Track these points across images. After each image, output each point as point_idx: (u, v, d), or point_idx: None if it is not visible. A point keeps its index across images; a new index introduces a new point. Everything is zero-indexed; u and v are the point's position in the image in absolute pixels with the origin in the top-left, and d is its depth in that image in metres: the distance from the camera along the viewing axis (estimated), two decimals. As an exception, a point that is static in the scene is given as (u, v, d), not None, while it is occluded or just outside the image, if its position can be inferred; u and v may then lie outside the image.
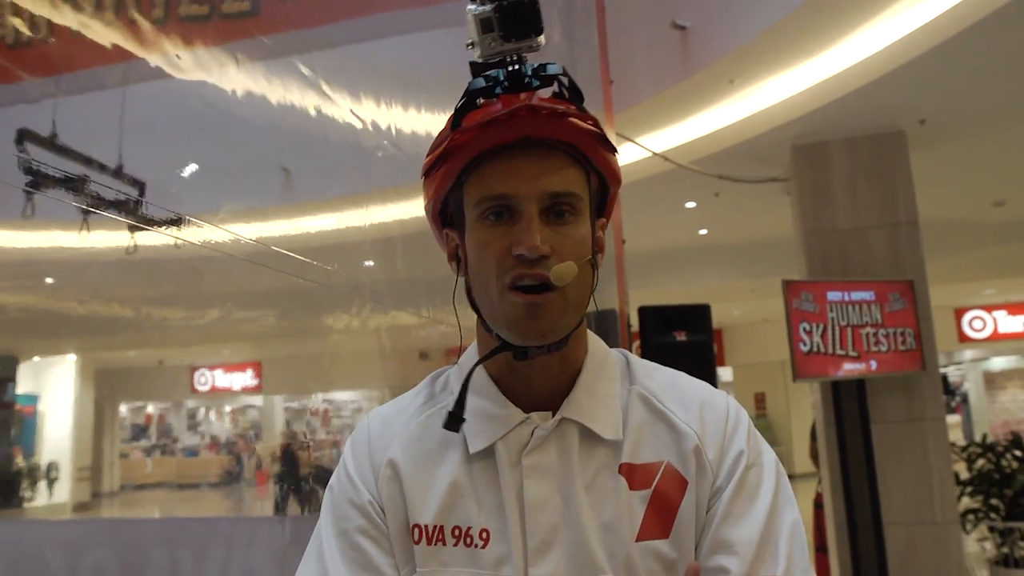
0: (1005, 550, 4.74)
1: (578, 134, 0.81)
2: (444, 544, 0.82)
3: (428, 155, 0.85)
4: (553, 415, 0.85)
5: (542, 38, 0.81)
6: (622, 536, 0.81)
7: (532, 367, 0.84)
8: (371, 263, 5.53)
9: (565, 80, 0.82)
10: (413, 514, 0.84)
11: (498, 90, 0.81)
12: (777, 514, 0.83)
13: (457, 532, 0.82)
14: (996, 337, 13.86)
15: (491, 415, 0.85)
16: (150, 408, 23.99)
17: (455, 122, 0.82)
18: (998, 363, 15.91)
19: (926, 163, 5.36)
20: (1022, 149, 5.79)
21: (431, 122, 4.30)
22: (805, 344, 4.42)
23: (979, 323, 13.74)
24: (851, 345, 4.56)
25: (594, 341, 0.91)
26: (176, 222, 4.79)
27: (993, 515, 4.79)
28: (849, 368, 4.56)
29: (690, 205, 6.97)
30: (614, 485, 0.83)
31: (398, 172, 4.93)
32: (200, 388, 18.65)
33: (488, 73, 0.82)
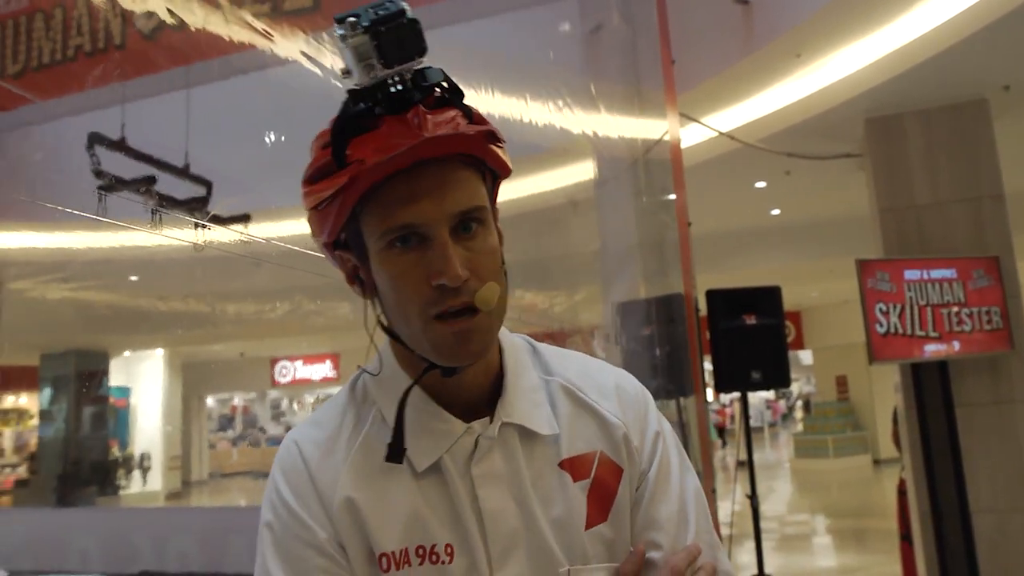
0: (1104, 539, 4.48)
1: (471, 143, 0.79)
2: (410, 566, 0.81)
3: (309, 185, 0.81)
4: (491, 420, 0.85)
5: (425, 56, 0.76)
6: (574, 528, 0.84)
7: (461, 378, 0.84)
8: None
9: (446, 84, 0.79)
10: (376, 544, 0.81)
11: (377, 110, 0.76)
12: (683, 484, 0.90)
13: (421, 551, 0.81)
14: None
15: (432, 430, 0.84)
16: (236, 399, 24.84)
17: (338, 155, 0.77)
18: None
19: (1012, 132, 5.08)
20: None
21: (510, 106, 4.28)
22: (882, 325, 4.25)
23: (1077, 299, 13.02)
24: (931, 326, 4.36)
25: (503, 335, 0.90)
26: (243, 219, 4.86)
27: (1091, 501, 4.53)
28: (931, 349, 4.36)
29: (760, 185, 6.79)
30: (559, 480, 0.85)
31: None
32: (281, 379, 19.22)
33: (362, 95, 0.77)
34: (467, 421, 0.84)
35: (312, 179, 0.80)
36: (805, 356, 19.26)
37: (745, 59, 4.77)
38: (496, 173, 0.85)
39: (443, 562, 0.81)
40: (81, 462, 12.76)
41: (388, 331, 0.87)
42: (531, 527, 0.83)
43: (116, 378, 14.81)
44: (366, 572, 0.82)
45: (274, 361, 19.04)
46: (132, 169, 4.28)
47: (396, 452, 0.81)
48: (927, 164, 4.98)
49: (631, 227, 4.48)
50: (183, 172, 4.47)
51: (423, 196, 0.77)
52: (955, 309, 4.43)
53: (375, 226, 0.79)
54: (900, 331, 4.29)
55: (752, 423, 12.19)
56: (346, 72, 0.77)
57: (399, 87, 0.76)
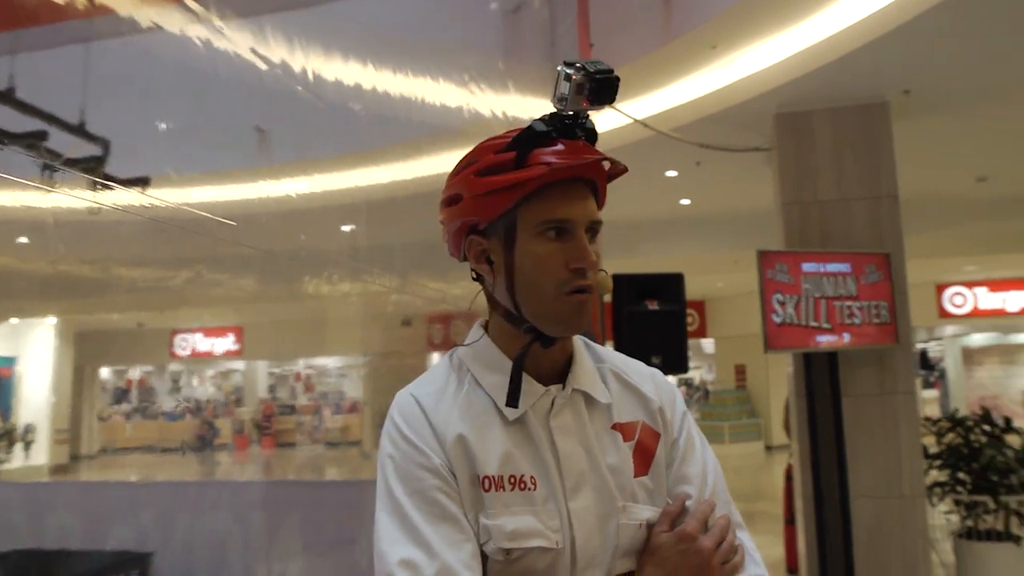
0: (970, 523, 4.76)
1: (602, 175, 1.09)
2: (504, 490, 1.04)
3: (482, 177, 1.06)
4: (563, 387, 1.10)
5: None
6: (625, 475, 1.09)
7: (548, 351, 1.09)
8: (350, 228, 5.45)
9: (594, 129, 1.07)
10: (480, 470, 1.04)
11: (554, 134, 1.04)
12: (704, 453, 1.18)
13: (512, 480, 1.04)
14: (976, 313, 13.94)
15: (521, 390, 1.07)
16: (132, 372, 23.87)
17: (522, 156, 1.03)
18: (977, 339, 16.01)
19: (910, 135, 5.31)
20: (1007, 124, 5.74)
21: (421, 85, 4.21)
22: (778, 315, 4.39)
23: (959, 299, 13.80)
24: (824, 317, 4.53)
25: None
26: (142, 182, 4.64)
27: (960, 488, 4.81)
28: (822, 340, 4.53)
29: (671, 174, 6.90)
30: (612, 438, 1.11)
31: (380, 133, 4.84)
32: (181, 352, 18.57)
33: (546, 119, 1.04)
34: (545, 386, 1.09)
35: (486, 172, 1.06)
36: (707, 344, 19.79)
37: (662, 47, 4.82)
38: (599, 202, 1.11)
39: (529, 489, 1.04)
40: (-43, 433, 12.04)
41: (500, 306, 1.11)
42: (594, 469, 1.08)
43: (1, 346, 14.04)
44: (470, 492, 1.04)
45: (174, 333, 18.40)
46: (22, 124, 4.02)
47: (513, 398, 1.06)
48: (832, 161, 5.15)
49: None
50: (78, 130, 4.23)
51: (574, 202, 1.05)
52: (847, 302, 4.62)
53: (534, 216, 1.05)
54: (795, 321, 4.45)
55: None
56: (562, 99, 1.03)
57: (579, 121, 1.05)
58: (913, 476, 4.80)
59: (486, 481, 1.04)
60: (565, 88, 1.02)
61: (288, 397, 21.58)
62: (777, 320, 4.37)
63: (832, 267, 4.61)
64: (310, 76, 3.87)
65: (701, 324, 16.50)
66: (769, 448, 15.07)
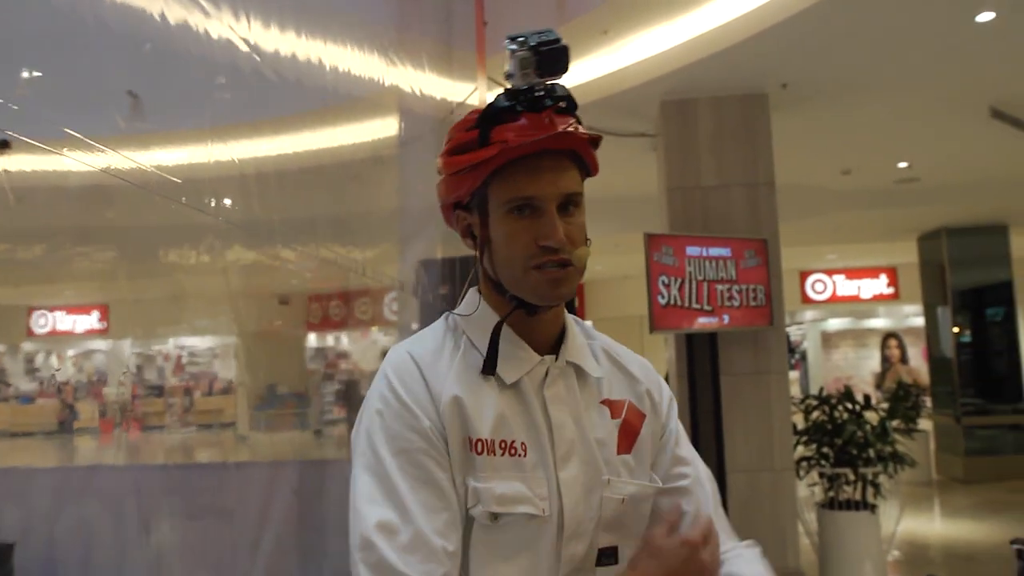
0: (831, 494, 5.07)
1: (581, 144, 1.07)
2: (494, 454, 1.04)
3: (452, 156, 1.07)
4: (556, 358, 1.12)
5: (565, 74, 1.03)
6: (609, 450, 1.11)
7: (537, 321, 1.10)
8: (230, 201, 5.21)
9: (568, 97, 1.05)
10: (473, 431, 1.04)
11: (519, 108, 1.03)
12: (686, 434, 1.26)
13: (503, 444, 1.04)
14: (834, 299, 14.82)
15: (517, 356, 1.10)
16: (-19, 351, 22.20)
17: (484, 135, 1.03)
18: (834, 324, 17.05)
19: (786, 127, 5.56)
20: (869, 119, 6.09)
21: (316, 50, 4.03)
22: (663, 297, 4.52)
23: (820, 286, 14.63)
24: (706, 300, 4.70)
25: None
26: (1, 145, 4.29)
27: (824, 462, 5.12)
28: (703, 322, 4.70)
29: (559, 157, 6.95)
30: (600, 412, 1.13)
31: (266, 103, 4.63)
32: (38, 331, 17.39)
33: (508, 94, 1.03)
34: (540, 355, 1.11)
35: (455, 151, 1.07)
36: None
37: (555, 30, 4.84)
38: (589, 170, 1.11)
39: (519, 455, 1.05)
40: None
41: (487, 277, 1.12)
42: (583, 440, 1.09)
43: None
44: (460, 454, 1.03)
45: (31, 310, 17.21)
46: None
47: (490, 366, 1.07)
48: (714, 148, 5.33)
49: (433, 187, 4.44)
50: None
51: (542, 176, 1.04)
52: (727, 285, 4.80)
53: (502, 194, 1.05)
54: (679, 303, 4.59)
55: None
56: (509, 75, 1.03)
57: (540, 93, 1.03)
58: (783, 451, 5.07)
59: (479, 444, 1.04)
60: (513, 64, 1.02)
61: (156, 378, 20.62)
62: (662, 302, 4.49)
63: (714, 251, 4.78)
64: (210, 37, 3.66)
65: (581, 306, 16.83)
66: (644, 427, 15.56)
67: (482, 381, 1.08)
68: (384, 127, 4.55)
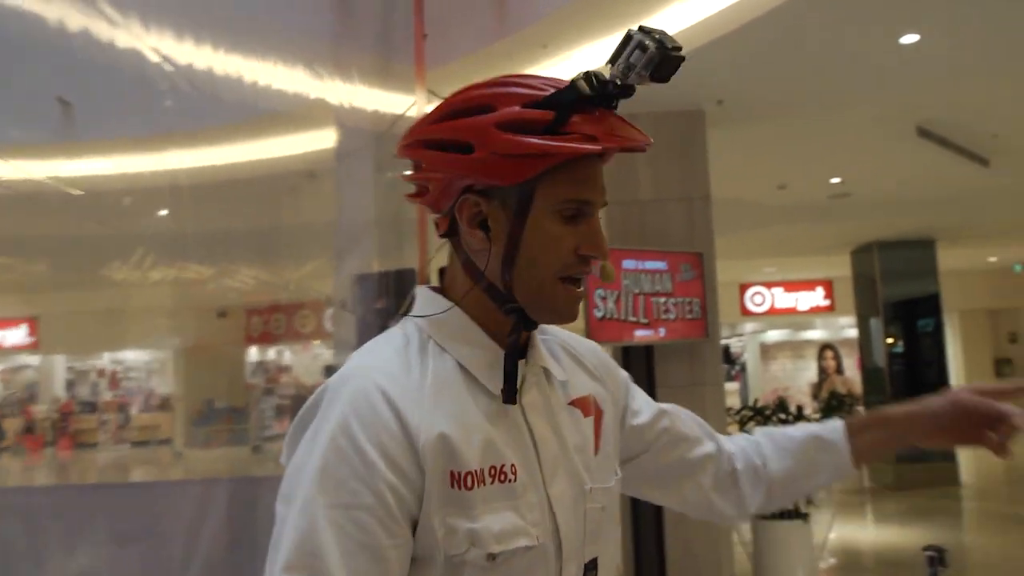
0: (767, 504, 5.15)
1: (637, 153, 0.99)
2: (484, 484, 0.90)
3: (512, 132, 0.90)
4: (527, 362, 1.00)
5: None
6: (587, 453, 1.02)
7: (505, 323, 0.97)
8: (165, 212, 5.08)
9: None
10: (460, 464, 0.89)
11: (597, 100, 0.92)
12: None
13: (493, 471, 0.91)
14: (773, 312, 15.13)
15: (495, 363, 0.95)
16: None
17: (562, 118, 0.90)
18: (773, 335, 17.41)
19: (723, 143, 5.66)
20: (803, 136, 6.25)
21: (246, 65, 3.97)
22: (600, 310, 4.55)
23: (759, 298, 14.93)
24: (643, 312, 4.75)
25: None
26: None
27: (759, 473, 5.19)
28: (640, 335, 4.75)
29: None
30: (572, 415, 1.02)
31: (200, 114, 4.53)
32: (-38, 344, 16.73)
33: (596, 82, 0.92)
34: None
35: (512, 127, 0.90)
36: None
37: (496, 43, 4.85)
38: None
39: (509, 480, 0.92)
40: None
41: (478, 278, 0.97)
42: (563, 450, 0.99)
43: None
44: (441, 493, 0.88)
45: (-45, 323, 16.56)
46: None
47: (511, 395, 0.93)
48: (651, 163, 5.39)
49: (369, 201, 4.41)
50: None
51: (597, 182, 0.96)
52: (663, 298, 4.86)
53: (558, 192, 0.93)
54: (615, 316, 4.63)
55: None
56: (630, 68, 0.91)
57: (618, 91, 0.92)
58: (718, 462, 5.12)
59: (468, 478, 0.89)
60: (638, 57, 0.90)
61: (89, 394, 19.98)
62: (599, 315, 4.53)
63: (650, 264, 4.84)
64: (121, 48, 3.58)
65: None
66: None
67: (463, 398, 0.93)
68: (318, 140, 4.51)
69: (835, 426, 1.20)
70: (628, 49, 0.91)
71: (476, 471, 0.89)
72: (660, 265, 4.88)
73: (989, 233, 10.70)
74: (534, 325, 0.97)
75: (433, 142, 0.97)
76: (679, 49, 0.91)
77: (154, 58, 3.69)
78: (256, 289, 4.59)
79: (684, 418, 1.20)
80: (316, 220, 4.82)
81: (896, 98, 5.52)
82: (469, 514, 0.88)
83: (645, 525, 4.86)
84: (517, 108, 0.91)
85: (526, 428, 0.96)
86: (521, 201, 0.93)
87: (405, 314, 1.03)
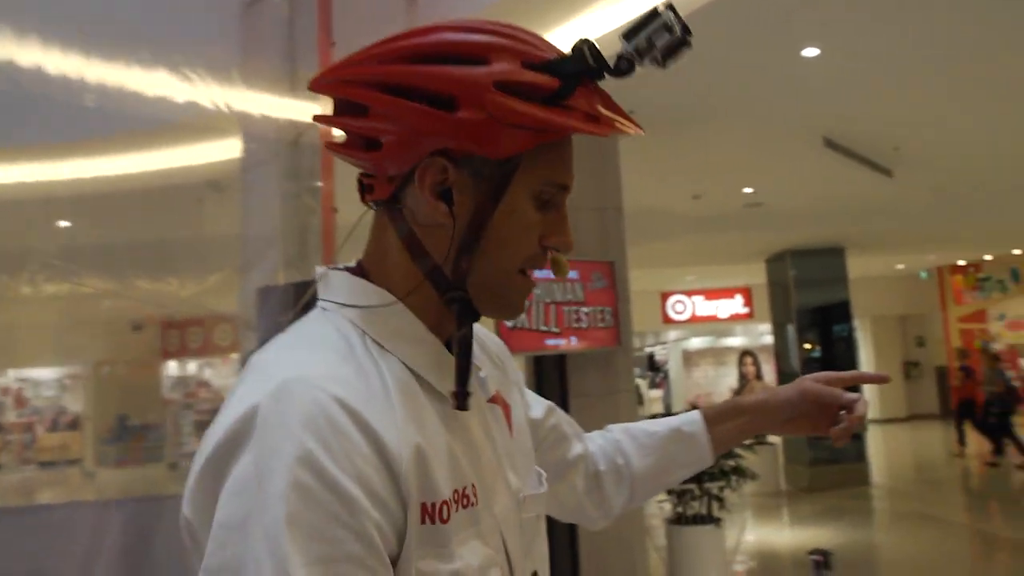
0: (680, 510, 5.21)
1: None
2: (455, 512, 0.76)
3: (514, 96, 0.76)
4: None
5: None
6: (514, 456, 0.90)
7: (446, 315, 0.84)
8: (67, 223, 4.88)
9: None
10: (434, 492, 0.74)
11: (594, 74, 0.80)
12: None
13: (456, 496, 0.77)
14: (694, 320, 15.42)
15: (442, 363, 0.82)
16: None
17: (567, 90, 0.78)
18: (695, 343, 17.74)
19: (636, 153, 5.73)
20: (715, 147, 6.38)
21: (139, 75, 3.84)
22: (510, 320, 4.53)
23: (680, 306, 15.20)
24: (554, 322, 4.75)
25: None
26: None
27: (673, 479, 5.25)
28: (551, 344, 4.75)
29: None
30: (493, 414, 0.90)
31: (95, 124, 4.37)
32: None
33: (599, 54, 0.80)
34: None
35: (513, 89, 0.76)
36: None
37: (404, 52, 4.82)
38: None
39: (472, 504, 0.78)
40: None
41: (415, 253, 0.82)
42: (497, 458, 0.87)
43: None
44: (415, 532, 0.72)
45: None
46: None
47: (464, 399, 0.79)
48: (562, 173, 5.41)
49: (275, 211, 4.32)
50: None
51: (572, 166, 0.86)
52: (575, 307, 4.87)
53: (539, 172, 0.81)
54: (527, 326, 4.62)
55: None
56: (649, 47, 0.81)
57: (625, 69, 0.81)
58: (632, 469, 5.16)
59: (443, 509, 0.74)
60: (659, 37, 0.81)
61: (-7, 414, 19.07)
62: (509, 324, 4.51)
63: (562, 274, 4.84)
64: (4, 56, 3.42)
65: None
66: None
67: (424, 409, 0.77)
68: (224, 150, 4.40)
69: (693, 418, 1.17)
70: (652, 26, 0.81)
71: (449, 498, 0.75)
72: (572, 274, 4.90)
73: (896, 242, 11.14)
74: (477, 317, 0.83)
75: (394, 87, 0.78)
76: (690, 35, 0.83)
77: (53, 68, 3.55)
78: (157, 303, 4.44)
79: (562, 415, 1.14)
80: (221, 232, 4.70)
81: (801, 110, 5.68)
82: (443, 553, 0.73)
83: (558, 532, 4.86)
84: (520, 68, 0.78)
85: (471, 437, 0.83)
86: (502, 177, 0.79)
87: (311, 303, 0.85)
